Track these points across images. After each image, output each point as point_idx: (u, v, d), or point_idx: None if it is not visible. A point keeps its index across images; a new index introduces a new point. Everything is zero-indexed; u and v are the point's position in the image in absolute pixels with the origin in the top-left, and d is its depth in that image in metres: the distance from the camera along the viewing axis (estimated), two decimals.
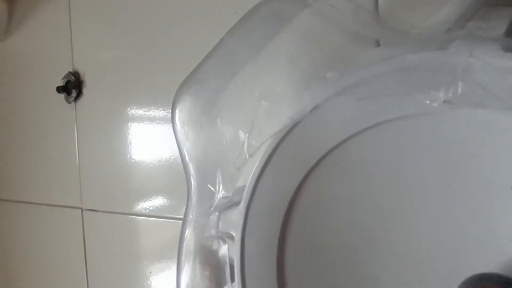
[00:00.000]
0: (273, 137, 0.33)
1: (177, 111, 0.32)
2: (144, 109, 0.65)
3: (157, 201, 0.64)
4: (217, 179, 0.31)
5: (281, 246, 0.38)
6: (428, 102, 0.24)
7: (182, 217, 0.60)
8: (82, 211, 0.73)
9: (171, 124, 0.60)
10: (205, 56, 0.32)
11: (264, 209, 0.37)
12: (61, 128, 0.74)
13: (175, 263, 0.62)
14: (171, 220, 0.62)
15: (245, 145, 0.30)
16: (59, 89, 0.70)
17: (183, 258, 0.35)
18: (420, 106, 0.25)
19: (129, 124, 0.67)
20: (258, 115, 0.30)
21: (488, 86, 0.22)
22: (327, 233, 0.37)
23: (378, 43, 0.34)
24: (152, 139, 0.64)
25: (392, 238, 0.34)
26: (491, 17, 0.29)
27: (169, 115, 0.61)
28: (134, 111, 0.66)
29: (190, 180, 0.32)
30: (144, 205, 0.65)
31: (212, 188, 0.31)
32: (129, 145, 0.66)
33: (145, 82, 0.64)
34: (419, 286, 0.33)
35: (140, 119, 0.65)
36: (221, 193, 0.31)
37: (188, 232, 0.34)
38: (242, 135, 0.30)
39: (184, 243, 0.34)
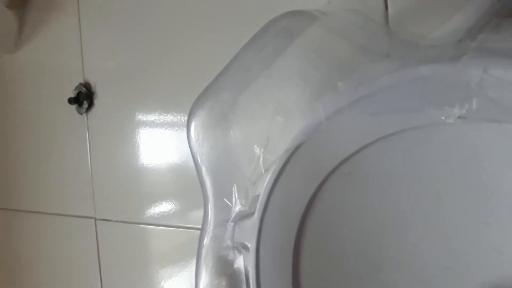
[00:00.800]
0: (287, 150, 0.34)
1: (192, 125, 0.33)
2: (154, 117, 0.66)
3: (169, 209, 0.65)
4: (233, 193, 0.31)
5: (296, 255, 0.38)
6: (442, 118, 0.24)
7: (194, 225, 0.61)
8: (95, 221, 0.73)
9: (182, 132, 0.61)
10: (220, 71, 0.32)
11: (278, 219, 0.37)
12: (73, 138, 0.75)
13: (188, 271, 0.63)
14: (183, 229, 0.63)
15: (261, 160, 0.31)
16: (71, 101, 0.71)
17: (201, 268, 0.35)
18: (434, 120, 0.26)
19: (141, 133, 0.67)
20: (273, 130, 0.30)
21: (502, 102, 0.23)
22: (341, 242, 0.37)
23: (388, 55, 0.34)
24: (163, 147, 0.65)
25: (406, 247, 0.35)
26: (503, 28, 0.30)
27: (180, 122, 0.62)
28: (145, 120, 0.67)
29: (207, 193, 0.32)
30: (157, 214, 0.66)
31: (228, 202, 0.32)
32: (141, 153, 0.67)
33: (155, 90, 0.65)
34: None
35: (151, 127, 0.66)
36: (237, 207, 0.32)
37: (206, 244, 0.35)
38: (257, 150, 0.31)
39: (202, 254, 0.34)
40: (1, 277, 0.93)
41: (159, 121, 0.65)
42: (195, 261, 0.62)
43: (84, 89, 0.71)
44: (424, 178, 0.32)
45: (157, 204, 0.66)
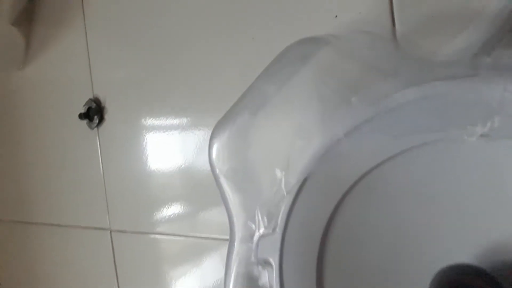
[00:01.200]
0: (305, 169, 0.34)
1: (214, 148, 0.33)
2: (164, 127, 0.66)
3: (181, 218, 0.66)
4: (256, 216, 0.32)
5: (320, 269, 0.39)
6: (465, 137, 0.25)
7: (205, 235, 0.61)
8: (111, 232, 0.74)
9: (192, 141, 0.62)
10: (239, 97, 0.33)
11: (300, 235, 0.38)
12: (85, 152, 0.76)
13: (199, 279, 0.64)
14: (195, 238, 0.64)
15: (283, 182, 0.31)
16: (81, 116, 0.72)
17: (229, 285, 0.36)
18: (456, 138, 0.26)
19: (151, 143, 0.68)
20: (293, 152, 0.31)
21: None
22: (363, 255, 0.38)
23: (397, 73, 0.35)
24: (175, 158, 0.66)
25: (427, 259, 0.35)
26: None
27: (191, 131, 0.62)
28: (155, 130, 0.67)
29: (231, 213, 0.33)
30: (169, 223, 0.67)
31: (253, 225, 0.33)
32: (152, 163, 0.68)
33: (164, 100, 0.66)
34: None
35: (162, 138, 0.67)
36: (261, 230, 0.33)
37: (232, 261, 0.35)
38: (278, 173, 0.31)
39: (229, 271, 0.35)
40: None
41: (168, 131, 0.66)
42: (206, 269, 0.63)
43: (94, 104, 0.72)
44: (445, 192, 0.32)
45: (169, 213, 0.67)
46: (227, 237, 0.57)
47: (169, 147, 0.66)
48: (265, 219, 0.35)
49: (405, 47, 0.35)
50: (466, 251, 0.32)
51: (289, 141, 0.32)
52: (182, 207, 0.65)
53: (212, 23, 0.59)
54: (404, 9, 0.38)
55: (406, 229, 0.35)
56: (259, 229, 0.33)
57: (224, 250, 0.57)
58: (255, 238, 0.34)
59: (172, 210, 0.67)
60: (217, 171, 0.34)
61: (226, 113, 0.33)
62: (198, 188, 0.63)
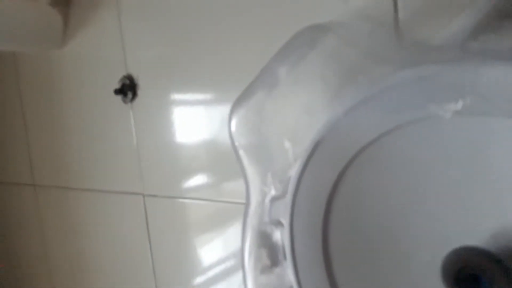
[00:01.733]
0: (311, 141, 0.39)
1: (232, 122, 0.39)
2: (192, 103, 0.72)
3: (210, 185, 0.72)
4: (268, 180, 0.38)
5: (325, 229, 0.44)
6: (441, 113, 0.29)
7: (227, 199, 0.67)
8: (144, 196, 0.82)
9: (219, 116, 0.67)
10: (253, 79, 0.38)
11: (308, 199, 0.43)
12: (120, 124, 0.83)
13: (223, 237, 0.70)
14: (219, 202, 0.70)
15: (290, 152, 0.37)
16: (117, 92, 0.78)
17: (245, 242, 0.42)
18: (434, 115, 0.31)
19: (181, 118, 0.74)
20: (300, 126, 0.36)
21: (492, 98, 0.27)
22: (364, 216, 0.43)
23: (395, 57, 0.39)
24: (201, 130, 0.71)
25: (421, 219, 0.40)
26: (503, 29, 0.34)
27: (216, 106, 0.68)
28: (184, 104, 0.73)
29: (247, 179, 0.39)
30: (198, 189, 0.73)
31: (265, 189, 0.38)
32: (180, 133, 0.74)
33: (192, 78, 0.71)
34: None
35: (190, 113, 0.72)
36: (272, 192, 0.38)
37: (248, 221, 0.41)
38: (287, 144, 0.36)
39: (246, 230, 0.41)
40: (56, 252, 1.03)
41: (196, 106, 0.72)
42: (230, 230, 0.69)
43: (128, 81, 0.78)
44: (436, 162, 0.37)
45: (196, 180, 0.74)
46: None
47: (196, 120, 0.72)
48: (277, 183, 0.40)
49: (405, 31, 0.39)
50: (456, 209, 0.36)
51: (297, 117, 0.37)
52: (208, 174, 0.72)
53: (235, 9, 0.63)
54: None
55: (402, 193, 0.40)
56: (270, 191, 0.38)
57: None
58: (267, 200, 0.39)
59: (199, 177, 0.73)
60: (236, 143, 0.40)
61: (243, 91, 0.38)
62: (222, 158, 0.69)
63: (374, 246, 0.43)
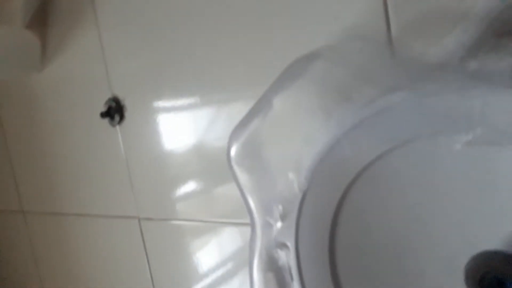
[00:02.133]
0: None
1: (232, 153, 0.38)
2: (183, 120, 0.71)
3: (205, 204, 0.71)
4: (274, 212, 0.37)
5: (332, 250, 0.43)
6: (451, 144, 0.29)
7: (230, 220, 0.67)
8: (139, 220, 0.80)
9: (211, 132, 0.66)
10: (251, 107, 0.37)
11: (312, 220, 0.43)
12: (109, 148, 0.81)
13: (228, 261, 0.69)
14: (217, 224, 0.69)
15: (295, 183, 0.36)
16: (103, 115, 0.77)
17: (253, 266, 0.41)
18: (443, 145, 0.30)
19: (171, 135, 0.73)
20: (302, 154, 0.35)
21: (503, 127, 0.27)
22: (370, 236, 0.42)
23: (388, 76, 0.39)
24: (194, 147, 0.70)
25: (427, 236, 0.40)
26: (501, 47, 0.34)
27: (210, 122, 0.67)
28: (173, 124, 0.72)
29: (252, 214, 0.38)
30: (194, 210, 0.72)
31: (271, 221, 0.37)
32: (172, 153, 0.73)
33: (179, 94, 0.70)
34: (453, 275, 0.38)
35: (181, 122, 0.71)
36: (278, 224, 0.37)
37: (255, 248, 0.40)
38: (291, 175, 0.36)
39: (253, 255, 0.40)
40: (51, 280, 1.01)
41: (187, 118, 0.70)
42: (228, 250, 0.68)
43: (114, 103, 0.76)
44: (441, 180, 0.36)
45: (191, 199, 0.72)
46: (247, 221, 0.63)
47: (188, 137, 0.71)
48: (281, 209, 0.40)
49: (399, 47, 0.39)
50: (458, 226, 0.36)
51: (297, 144, 0.36)
52: (203, 194, 0.70)
53: (219, 18, 0.62)
54: (397, 12, 0.41)
55: (407, 211, 0.39)
56: (276, 224, 0.37)
57: (246, 234, 0.63)
58: (273, 227, 0.39)
59: (194, 196, 0.72)
60: (236, 171, 0.39)
61: (241, 120, 0.38)
62: (217, 175, 0.68)
63: (383, 264, 0.43)
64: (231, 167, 0.39)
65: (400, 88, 0.35)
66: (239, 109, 0.60)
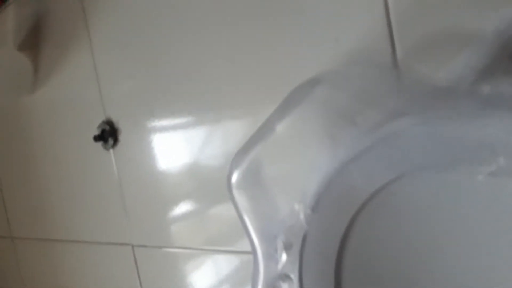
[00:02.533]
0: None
1: (233, 181, 0.36)
2: (179, 143, 0.69)
3: (202, 232, 0.68)
4: (278, 246, 0.35)
5: (338, 281, 0.41)
6: (473, 176, 0.27)
7: (223, 248, 0.64)
8: (133, 247, 0.77)
9: (211, 158, 0.64)
10: (253, 133, 0.35)
11: (317, 251, 0.40)
12: (102, 172, 0.79)
13: None
14: (214, 252, 0.66)
15: (301, 215, 0.34)
16: (96, 138, 0.75)
17: None
18: (465, 176, 0.28)
19: (167, 159, 0.70)
20: (308, 184, 0.33)
21: None
22: (378, 268, 0.40)
23: (392, 100, 0.37)
24: (192, 172, 0.68)
25: (438, 270, 0.38)
26: None
27: (206, 146, 0.65)
28: (169, 140, 0.70)
29: (254, 245, 0.36)
30: (190, 237, 0.70)
31: (275, 254, 0.35)
32: (168, 179, 0.70)
33: (175, 117, 0.68)
34: None
35: (177, 144, 0.69)
36: (283, 258, 0.35)
37: (258, 281, 0.38)
38: (297, 206, 0.34)
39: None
40: None
41: (182, 144, 0.68)
42: (224, 279, 0.66)
43: (108, 126, 0.74)
44: (454, 209, 0.34)
45: (187, 226, 0.70)
46: (243, 249, 0.60)
47: (180, 158, 0.68)
48: (284, 240, 0.37)
49: (405, 71, 0.37)
50: (473, 261, 0.34)
51: (301, 171, 0.34)
52: (200, 220, 0.68)
53: (215, 38, 0.61)
54: (402, 34, 0.40)
55: (416, 242, 0.37)
56: (280, 258, 0.35)
57: (245, 263, 0.60)
58: (277, 259, 0.37)
59: (190, 223, 0.69)
60: (237, 199, 0.37)
61: (243, 145, 0.36)
62: (214, 201, 0.65)
63: None
64: (231, 195, 0.37)
65: (408, 113, 0.34)
66: (235, 129, 0.59)
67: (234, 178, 0.37)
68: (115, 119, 0.75)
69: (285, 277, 0.43)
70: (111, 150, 0.76)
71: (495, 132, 0.26)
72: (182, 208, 0.70)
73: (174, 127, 0.68)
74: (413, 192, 0.36)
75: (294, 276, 0.42)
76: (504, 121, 0.26)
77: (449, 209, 0.34)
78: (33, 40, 0.88)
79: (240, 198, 0.37)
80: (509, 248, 0.31)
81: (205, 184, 0.66)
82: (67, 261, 0.89)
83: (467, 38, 0.36)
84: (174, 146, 0.69)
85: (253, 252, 0.37)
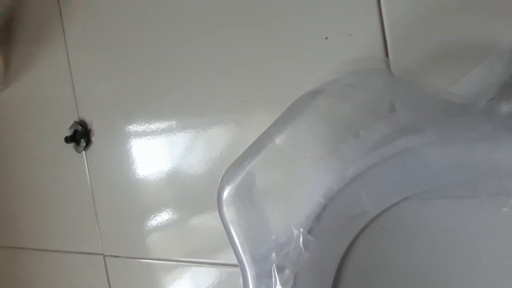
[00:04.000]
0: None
1: (223, 197, 0.32)
2: (153, 147, 0.65)
3: (178, 243, 0.64)
4: (273, 273, 0.31)
5: None
6: (499, 207, 0.24)
7: (204, 260, 0.60)
8: (104, 257, 0.73)
9: (184, 162, 0.61)
10: (249, 146, 0.32)
11: (313, 276, 0.37)
12: (73, 176, 0.74)
13: None
14: (190, 264, 0.63)
15: (301, 240, 0.31)
16: (68, 140, 0.70)
17: None
18: (488, 207, 0.26)
19: (141, 163, 0.66)
20: (312, 210, 0.30)
21: None
22: None
23: (393, 109, 0.35)
24: (167, 177, 0.64)
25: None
26: None
27: (181, 148, 0.61)
28: (145, 149, 0.66)
29: (245, 268, 0.32)
30: (165, 248, 0.66)
31: (265, 279, 0.32)
32: (143, 185, 0.66)
33: (152, 120, 0.64)
34: None
35: (152, 156, 0.65)
36: (277, 283, 0.32)
37: None
38: (296, 231, 0.31)
39: None
40: None
41: (158, 147, 0.64)
42: None
43: (80, 127, 0.69)
44: (460, 234, 0.32)
45: (163, 236, 0.66)
46: (224, 261, 0.57)
47: (159, 165, 0.64)
48: (277, 262, 0.34)
49: (403, 78, 0.35)
50: None
51: (300, 191, 0.31)
52: (177, 230, 0.64)
53: (199, 39, 0.57)
54: (396, 36, 0.37)
55: (419, 267, 0.35)
56: (274, 279, 0.32)
57: (226, 275, 0.57)
58: (268, 283, 0.33)
59: (165, 234, 0.65)
60: (227, 218, 0.33)
61: (237, 159, 0.32)
62: (192, 208, 0.62)
63: None
64: (221, 212, 0.33)
65: (420, 129, 0.31)
66: (218, 135, 0.55)
67: (225, 193, 0.33)
68: (88, 120, 0.70)
69: None
70: (83, 153, 0.71)
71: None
72: (159, 217, 0.66)
73: (152, 132, 0.64)
74: (419, 216, 0.33)
75: None
76: None
77: (459, 239, 0.31)
78: (5, 35, 0.83)
79: (231, 215, 0.33)
80: None
81: (185, 192, 0.62)
82: (35, 270, 0.84)
83: (482, 51, 0.34)
84: (152, 151, 0.65)
85: (242, 274, 0.34)
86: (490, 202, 0.25)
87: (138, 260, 0.69)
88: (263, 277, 0.34)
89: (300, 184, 0.32)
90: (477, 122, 0.28)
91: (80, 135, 0.70)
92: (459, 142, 0.27)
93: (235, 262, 0.34)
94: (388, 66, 0.37)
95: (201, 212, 0.61)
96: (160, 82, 0.61)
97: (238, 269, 0.34)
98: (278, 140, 0.32)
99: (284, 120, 0.32)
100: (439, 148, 0.28)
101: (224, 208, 0.33)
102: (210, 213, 0.60)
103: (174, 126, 0.61)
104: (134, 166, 0.67)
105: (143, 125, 0.65)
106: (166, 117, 0.62)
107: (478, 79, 0.32)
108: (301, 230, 0.30)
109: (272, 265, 0.31)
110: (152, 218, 0.66)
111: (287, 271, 0.34)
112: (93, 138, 0.70)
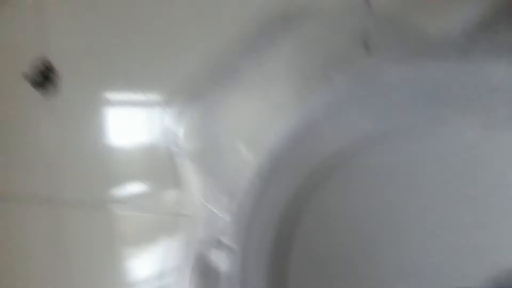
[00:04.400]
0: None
1: (182, 128, 0.30)
2: (124, 98, 0.62)
3: (141, 195, 0.62)
4: (220, 200, 0.29)
5: (285, 258, 0.36)
6: (466, 127, 0.22)
7: (166, 212, 0.58)
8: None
9: (152, 112, 0.58)
10: (210, 72, 0.29)
11: (264, 220, 0.35)
12: (35, 121, 0.70)
13: (153, 255, 0.61)
14: (156, 216, 0.60)
15: (243, 155, 0.28)
16: (27, 77, 0.66)
17: (188, 267, 0.33)
18: (456, 129, 0.24)
19: (109, 115, 0.63)
20: (260, 128, 0.28)
21: None
22: (331, 245, 0.35)
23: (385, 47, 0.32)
24: (133, 128, 0.61)
25: (401, 244, 0.33)
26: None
27: (151, 102, 0.58)
28: (114, 102, 0.63)
29: (191, 195, 0.30)
30: (124, 197, 0.63)
31: (216, 211, 0.29)
32: (111, 140, 0.64)
33: (125, 71, 0.61)
34: None
35: (121, 109, 0.62)
36: (224, 215, 0.30)
37: (189, 243, 0.32)
38: (241, 146, 0.28)
39: (188, 252, 0.32)
40: None
41: (129, 103, 0.61)
42: (160, 245, 0.60)
43: (48, 71, 0.66)
44: (424, 176, 0.30)
45: (126, 188, 0.63)
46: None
47: (129, 118, 0.61)
48: (230, 203, 0.32)
49: (382, 14, 0.32)
50: (440, 235, 0.30)
51: (262, 119, 0.29)
52: (140, 183, 0.61)
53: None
54: None
55: (380, 213, 0.33)
56: (222, 213, 0.30)
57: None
58: (212, 217, 0.31)
59: (130, 186, 0.63)
60: (183, 149, 0.31)
61: (196, 88, 0.30)
62: (157, 161, 0.59)
63: (342, 279, 0.36)
64: (177, 144, 0.31)
65: (397, 62, 0.29)
66: None
67: (182, 126, 0.31)
68: (57, 65, 0.67)
69: (225, 247, 0.37)
70: (50, 98, 0.67)
71: (496, 75, 0.21)
72: (122, 170, 0.63)
73: (130, 100, 0.61)
74: (390, 156, 0.31)
75: (238, 247, 0.36)
76: (504, 62, 0.21)
77: (423, 177, 0.29)
78: None
79: (187, 147, 0.31)
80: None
81: (151, 151, 0.59)
82: None
83: None
84: (124, 108, 0.62)
85: (192, 207, 0.32)
86: (457, 126, 0.23)
87: (98, 209, 0.66)
88: (211, 217, 0.32)
89: (265, 118, 0.29)
90: (455, 53, 0.26)
91: (45, 79, 0.66)
92: (435, 64, 0.25)
93: None
94: (367, 1, 0.34)
95: (167, 182, 0.58)
96: (141, 49, 0.58)
97: None
98: (245, 67, 0.29)
99: (253, 44, 0.30)
100: (415, 72, 0.26)
101: (181, 139, 0.31)
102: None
103: (151, 99, 0.58)
104: (101, 116, 0.64)
105: (117, 88, 0.62)
106: (144, 88, 0.58)
107: (460, 16, 0.30)
108: (246, 146, 0.28)
109: (224, 203, 0.29)
110: (114, 167, 0.63)
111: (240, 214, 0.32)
112: (61, 84, 0.67)
